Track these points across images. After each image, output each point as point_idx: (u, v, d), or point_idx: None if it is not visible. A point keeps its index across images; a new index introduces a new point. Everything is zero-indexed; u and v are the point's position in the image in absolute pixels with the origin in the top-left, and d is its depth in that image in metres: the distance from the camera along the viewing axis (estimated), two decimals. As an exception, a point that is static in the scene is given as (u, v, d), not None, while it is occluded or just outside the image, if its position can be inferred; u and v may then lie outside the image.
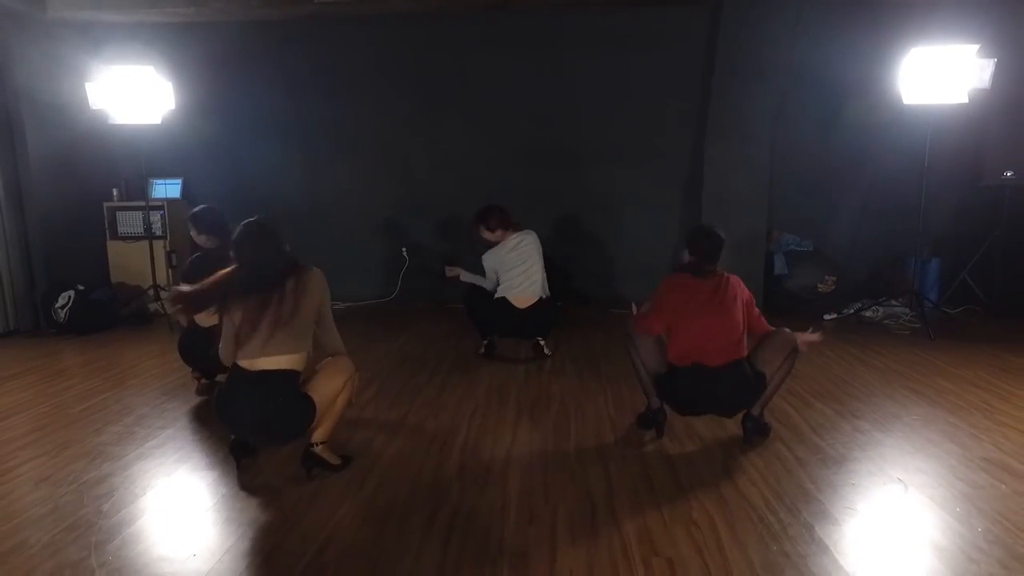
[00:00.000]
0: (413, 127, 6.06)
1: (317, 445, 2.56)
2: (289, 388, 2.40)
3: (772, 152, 5.45)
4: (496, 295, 4.18)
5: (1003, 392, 3.57)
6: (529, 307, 4.15)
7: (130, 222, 5.82)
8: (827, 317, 5.38)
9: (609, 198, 5.98)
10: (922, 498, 2.42)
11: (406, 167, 6.16)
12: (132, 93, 4.91)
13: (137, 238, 5.75)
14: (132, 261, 5.77)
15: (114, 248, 5.82)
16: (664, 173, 5.92)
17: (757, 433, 2.91)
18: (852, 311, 5.42)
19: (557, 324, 4.48)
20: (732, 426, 3.09)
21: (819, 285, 5.43)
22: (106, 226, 5.80)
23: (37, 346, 4.81)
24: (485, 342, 4.34)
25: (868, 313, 5.38)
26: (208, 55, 5.68)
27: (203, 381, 3.70)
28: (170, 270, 5.77)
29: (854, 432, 3.05)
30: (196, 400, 3.53)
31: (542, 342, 4.33)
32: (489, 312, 4.21)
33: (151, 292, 5.56)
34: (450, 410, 3.35)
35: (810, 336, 2.82)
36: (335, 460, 2.61)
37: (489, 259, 4.24)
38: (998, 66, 4.56)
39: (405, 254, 6.28)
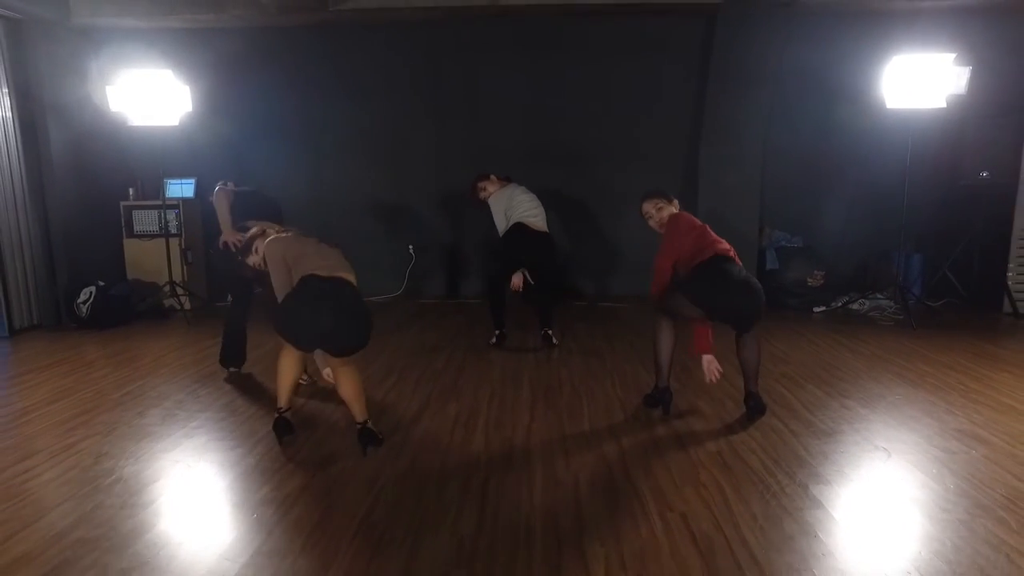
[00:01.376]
0: (421, 129, 6.29)
1: (368, 422, 2.80)
2: (360, 295, 2.79)
3: (763, 153, 5.74)
4: (511, 223, 4.46)
5: (978, 375, 3.87)
6: (541, 233, 4.48)
7: (146, 220, 6.00)
8: (816, 310, 5.67)
9: (607, 197, 6.25)
10: (902, 462, 2.69)
11: (413, 168, 6.39)
12: (150, 96, 5.10)
13: (153, 236, 5.94)
14: (148, 258, 5.96)
15: (130, 246, 6.00)
16: (659, 173, 6.17)
17: (758, 411, 3.17)
18: (840, 304, 5.72)
19: (558, 305, 4.75)
20: (732, 405, 3.36)
21: (809, 279, 5.71)
22: (123, 224, 5.98)
23: (62, 339, 4.99)
24: (497, 332, 4.58)
25: (855, 306, 5.68)
26: (224, 59, 5.88)
27: (232, 371, 3.92)
28: (185, 267, 5.96)
29: (842, 409, 3.32)
30: (227, 386, 3.75)
31: (550, 332, 4.57)
32: (507, 254, 4.48)
33: (167, 288, 5.75)
34: (469, 394, 3.59)
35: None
36: (381, 435, 2.86)
37: (499, 200, 4.56)
38: (973, 73, 4.89)
39: (412, 251, 6.51)
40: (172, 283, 5.72)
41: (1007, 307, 5.50)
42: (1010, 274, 5.52)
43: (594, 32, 5.89)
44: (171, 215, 5.85)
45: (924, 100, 4.95)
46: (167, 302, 5.85)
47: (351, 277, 2.81)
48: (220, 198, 3.73)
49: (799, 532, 2.16)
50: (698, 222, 3.28)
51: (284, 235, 3.05)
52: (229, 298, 4.11)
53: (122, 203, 6.00)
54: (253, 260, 3.08)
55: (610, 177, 6.20)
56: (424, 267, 6.51)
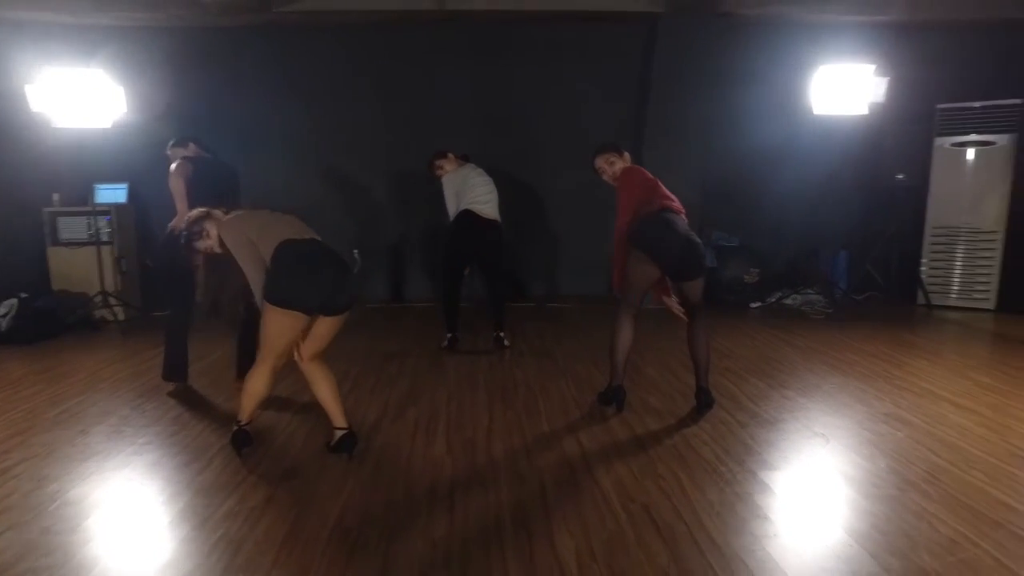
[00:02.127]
0: (366, 132, 6.23)
1: (349, 428, 2.78)
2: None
3: (704, 155, 5.99)
4: (460, 208, 4.42)
5: (899, 362, 4.18)
6: (490, 222, 4.43)
7: (73, 228, 5.69)
8: (753, 305, 5.96)
9: (551, 198, 6.38)
10: (838, 446, 2.90)
11: (359, 172, 6.33)
12: (78, 96, 4.85)
13: (82, 244, 5.64)
14: (75, 267, 5.65)
15: (55, 254, 5.67)
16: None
17: (707, 404, 3.32)
18: (774, 300, 6.04)
19: (510, 299, 4.79)
20: (681, 400, 3.51)
21: (745, 277, 6.00)
22: (46, 232, 5.66)
23: (-18, 356, 4.68)
24: (449, 336, 4.60)
25: (788, 301, 6.01)
26: (162, 59, 5.64)
27: (178, 384, 3.77)
28: (119, 276, 5.69)
29: (783, 399, 3.53)
30: (172, 401, 3.62)
31: (502, 334, 4.63)
32: (453, 245, 4.45)
33: (98, 299, 5.48)
34: (426, 399, 3.61)
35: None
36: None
37: (453, 181, 4.49)
38: (890, 83, 5.28)
39: (357, 256, 6.43)
40: (104, 293, 5.46)
41: (921, 299, 5.95)
42: (923, 268, 5.97)
43: (541, 37, 6.00)
44: (102, 222, 5.58)
45: (848, 107, 5.31)
46: (98, 313, 5.57)
47: (318, 237, 2.77)
48: (177, 178, 3.52)
49: (751, 515, 2.30)
50: (651, 176, 3.35)
51: (235, 214, 2.81)
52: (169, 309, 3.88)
53: (45, 209, 5.67)
54: (204, 245, 2.77)
55: (555, 179, 6.33)
56: (368, 271, 6.45)
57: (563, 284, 6.62)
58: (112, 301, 5.49)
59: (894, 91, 5.32)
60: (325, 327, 2.72)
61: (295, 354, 2.77)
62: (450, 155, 4.64)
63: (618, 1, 5.38)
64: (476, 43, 6.04)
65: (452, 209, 4.49)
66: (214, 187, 3.54)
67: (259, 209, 2.90)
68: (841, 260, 6.31)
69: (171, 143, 3.80)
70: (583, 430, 3.12)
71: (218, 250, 2.74)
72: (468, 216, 4.40)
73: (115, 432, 3.15)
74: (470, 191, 4.44)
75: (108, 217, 5.66)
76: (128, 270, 5.84)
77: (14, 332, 4.99)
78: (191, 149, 3.73)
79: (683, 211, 3.28)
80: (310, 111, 6.10)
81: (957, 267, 5.88)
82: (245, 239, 2.67)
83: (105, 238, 5.59)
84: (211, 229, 2.74)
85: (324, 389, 2.77)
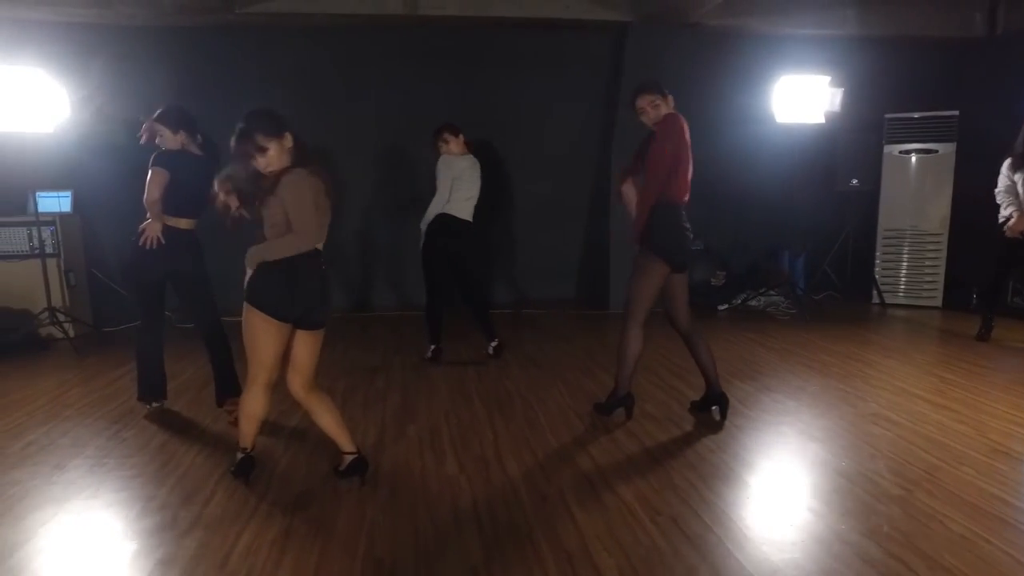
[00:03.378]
0: (330, 137, 6.04)
1: (359, 452, 2.68)
2: None
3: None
4: (449, 202, 4.24)
5: (871, 361, 4.40)
6: (469, 223, 4.36)
7: (10, 239, 5.26)
8: (721, 308, 6.14)
9: (521, 204, 6.38)
10: (836, 448, 3.01)
11: (323, 177, 6.13)
12: (15, 97, 4.48)
13: (22, 257, 5.23)
14: (14, 282, 5.23)
15: (-8, 269, 5.24)
16: (573, 181, 6.42)
17: (726, 406, 3.39)
18: (740, 301, 6.23)
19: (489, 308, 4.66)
20: (676, 406, 3.58)
21: (712, 280, 6.18)
22: (-20, 245, 5.21)
23: (-83, 383, 4.27)
24: (433, 347, 4.52)
25: (753, 303, 6.22)
26: (112, 59, 5.28)
27: (154, 406, 3.56)
28: (67, 290, 5.31)
29: (772, 402, 3.65)
30: (155, 425, 3.41)
31: (496, 343, 4.55)
32: (441, 251, 4.29)
33: (44, 315, 5.10)
34: (423, 414, 3.53)
35: None
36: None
37: (451, 167, 4.25)
38: (845, 93, 5.54)
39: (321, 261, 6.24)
40: (52, 309, 5.07)
41: (875, 298, 6.28)
42: (877, 269, 6.31)
43: (511, 44, 5.99)
44: (46, 232, 5.18)
45: (806, 116, 5.55)
46: (45, 331, 5.18)
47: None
48: (154, 187, 3.22)
49: (774, 520, 2.36)
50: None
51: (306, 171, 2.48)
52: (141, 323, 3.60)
53: (-22, 221, 5.23)
54: (261, 163, 2.43)
55: (524, 185, 6.33)
56: (333, 280, 6.26)
57: (531, 290, 6.63)
58: (61, 317, 5.11)
59: (847, 101, 5.60)
60: (304, 349, 2.59)
61: (292, 390, 2.63)
62: (460, 136, 4.37)
63: (587, 10, 5.43)
64: (444, 48, 5.97)
65: (444, 194, 4.24)
66: (194, 195, 3.33)
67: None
68: (800, 262, 6.58)
69: (158, 114, 3.34)
70: (591, 443, 3.12)
71: (259, 186, 2.45)
72: (456, 222, 4.30)
73: (96, 465, 2.93)
74: (465, 186, 4.30)
75: (52, 228, 5.27)
76: (76, 283, 5.46)
77: (-49, 355, 4.58)
78: (179, 139, 3.34)
79: None
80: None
81: (906, 267, 6.25)
82: (312, 202, 2.44)
83: (50, 250, 5.20)
84: (274, 152, 2.41)
85: (326, 418, 2.65)
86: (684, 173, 3.16)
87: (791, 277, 6.16)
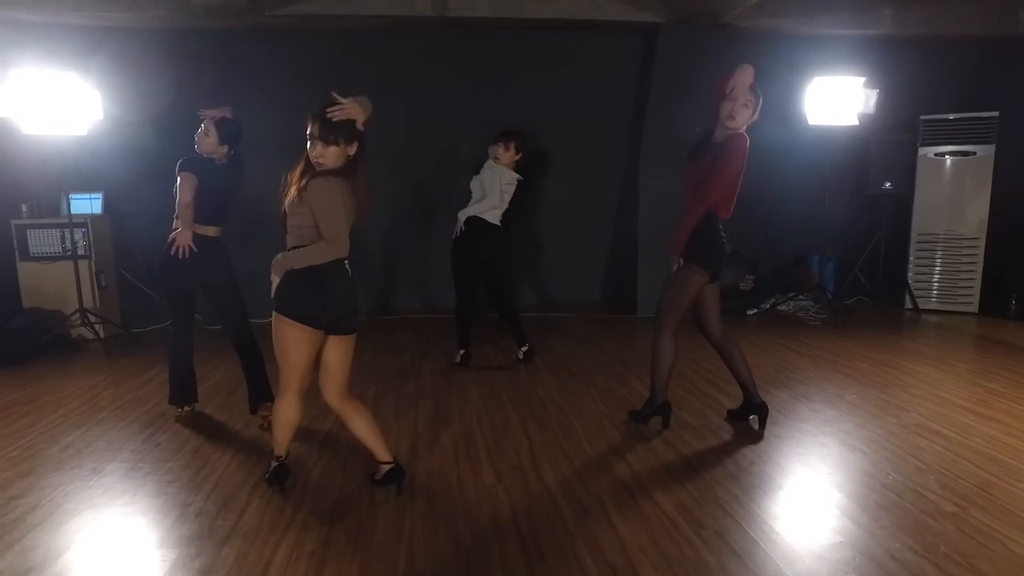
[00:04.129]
0: (356, 139, 6.05)
1: (396, 461, 2.64)
2: None
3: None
4: (480, 215, 4.21)
5: (909, 370, 4.29)
6: (498, 226, 4.29)
7: (45, 241, 5.32)
8: (750, 312, 6.05)
9: (548, 207, 6.33)
10: (881, 460, 2.93)
11: (349, 179, 6.13)
12: (50, 101, 4.52)
13: (55, 258, 5.28)
14: (48, 283, 5.28)
15: (26, 270, 5.29)
16: (603, 185, 6.37)
17: (765, 415, 3.32)
18: (769, 306, 6.13)
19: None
20: (713, 415, 3.51)
21: (741, 284, 6.08)
22: (15, 246, 5.27)
23: (-47, 384, 4.32)
24: (462, 352, 4.48)
25: (782, 307, 6.12)
26: (142, 62, 5.31)
27: (185, 410, 3.56)
28: (97, 291, 5.35)
29: (810, 412, 3.56)
30: (188, 429, 3.41)
31: (527, 347, 4.48)
32: (474, 254, 4.23)
33: (75, 317, 5.14)
34: (456, 420, 3.49)
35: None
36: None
37: (501, 175, 4.22)
38: (879, 95, 5.43)
39: (347, 266, 6.23)
40: (83, 310, 5.12)
41: (908, 303, 6.15)
42: (910, 273, 6.17)
43: (540, 45, 5.94)
44: (78, 234, 5.23)
45: (839, 118, 5.44)
46: (76, 332, 5.22)
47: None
48: (185, 193, 3.22)
49: (821, 535, 2.30)
50: None
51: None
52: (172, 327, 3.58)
53: (13, 222, 5.28)
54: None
55: (552, 187, 6.28)
56: (357, 282, 6.26)
57: (556, 292, 6.58)
58: (92, 318, 5.15)
59: (882, 102, 5.48)
60: (337, 355, 2.54)
61: (326, 398, 2.59)
62: (521, 144, 4.34)
63: (619, 11, 5.36)
64: (473, 50, 5.93)
65: (494, 203, 4.20)
66: (219, 202, 3.35)
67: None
68: (830, 266, 6.46)
69: (220, 118, 3.34)
70: (628, 451, 3.07)
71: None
72: (491, 228, 4.26)
73: (132, 469, 2.93)
74: (504, 199, 4.27)
75: (84, 229, 5.32)
76: (107, 285, 5.51)
77: (-14, 356, 4.63)
78: (217, 150, 3.33)
79: None
80: (301, 118, 5.86)
81: (939, 272, 6.10)
82: (343, 209, 2.39)
83: (82, 251, 5.25)
84: (336, 151, 2.40)
85: (362, 426, 2.60)
86: (735, 193, 3.10)
87: (821, 281, 6.05)
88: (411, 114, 6.04)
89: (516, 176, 4.34)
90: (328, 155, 2.41)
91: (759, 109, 3.07)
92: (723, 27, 5.46)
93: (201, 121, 3.35)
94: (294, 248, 2.44)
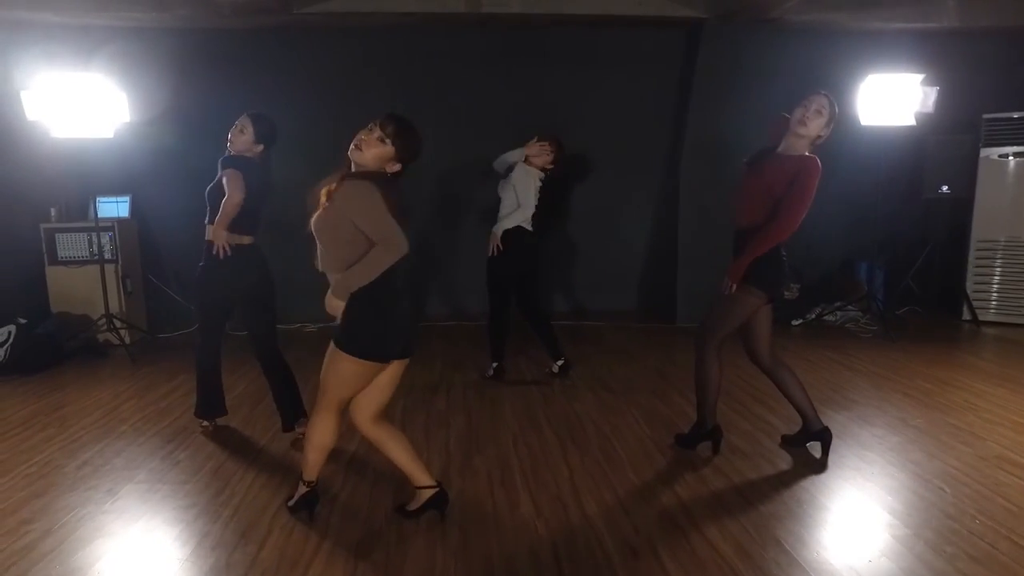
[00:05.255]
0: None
1: (440, 484, 2.47)
2: None
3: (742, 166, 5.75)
4: (520, 223, 4.01)
5: (978, 390, 3.96)
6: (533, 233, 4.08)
7: (72, 245, 5.26)
8: (795, 323, 5.74)
9: (584, 209, 6.09)
10: (962, 497, 2.63)
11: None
12: (78, 103, 4.44)
13: (82, 262, 5.22)
14: (75, 288, 5.23)
15: (54, 274, 5.24)
16: (640, 187, 6.11)
17: (829, 443, 3.04)
18: (814, 316, 5.81)
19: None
20: (767, 440, 3.25)
21: (786, 293, 5.76)
22: (44, 250, 5.22)
23: (-22, 391, 4.26)
24: (495, 365, 4.27)
25: (829, 317, 5.79)
26: (169, 63, 5.21)
27: (207, 424, 3.42)
28: (124, 296, 5.28)
29: (873, 438, 3.28)
30: (211, 444, 3.26)
31: (562, 361, 4.27)
32: (513, 264, 4.02)
33: (101, 322, 5.06)
34: (490, 442, 3.28)
35: None
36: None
37: (533, 179, 4.02)
38: (938, 92, 5.07)
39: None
40: (109, 315, 5.04)
41: (966, 314, 5.77)
42: (969, 282, 5.79)
43: (576, 42, 5.71)
44: (104, 238, 5.16)
45: (895, 118, 5.10)
46: (102, 337, 5.15)
47: None
48: (235, 182, 2.99)
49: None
50: None
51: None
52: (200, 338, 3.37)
53: (43, 225, 5.24)
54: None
55: (587, 190, 6.05)
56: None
57: (591, 300, 6.34)
58: (118, 324, 5.07)
59: (941, 100, 5.13)
60: (386, 378, 2.32)
61: (358, 421, 2.39)
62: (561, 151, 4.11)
63: (661, 6, 5.11)
64: (506, 47, 5.73)
65: (531, 205, 4.02)
66: (255, 208, 3.18)
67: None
68: (879, 273, 6.11)
69: (256, 114, 3.18)
70: (676, 481, 2.83)
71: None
72: (530, 235, 4.05)
73: (149, 491, 2.78)
74: (535, 198, 4.06)
75: (111, 233, 5.24)
76: (133, 290, 5.43)
77: (13, 362, 4.56)
78: (252, 149, 3.17)
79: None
80: (330, 117, 5.71)
81: (1000, 281, 5.72)
82: (383, 204, 2.15)
83: (108, 255, 5.18)
84: (381, 152, 2.20)
85: (398, 450, 2.41)
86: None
87: (871, 290, 5.71)
88: (440, 115, 5.85)
89: (541, 174, 4.11)
90: (371, 148, 2.19)
91: (833, 121, 2.82)
92: (771, 21, 5.17)
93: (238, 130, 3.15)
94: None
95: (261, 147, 3.18)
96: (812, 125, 2.77)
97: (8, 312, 4.75)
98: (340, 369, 2.24)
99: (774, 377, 3.08)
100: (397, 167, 2.26)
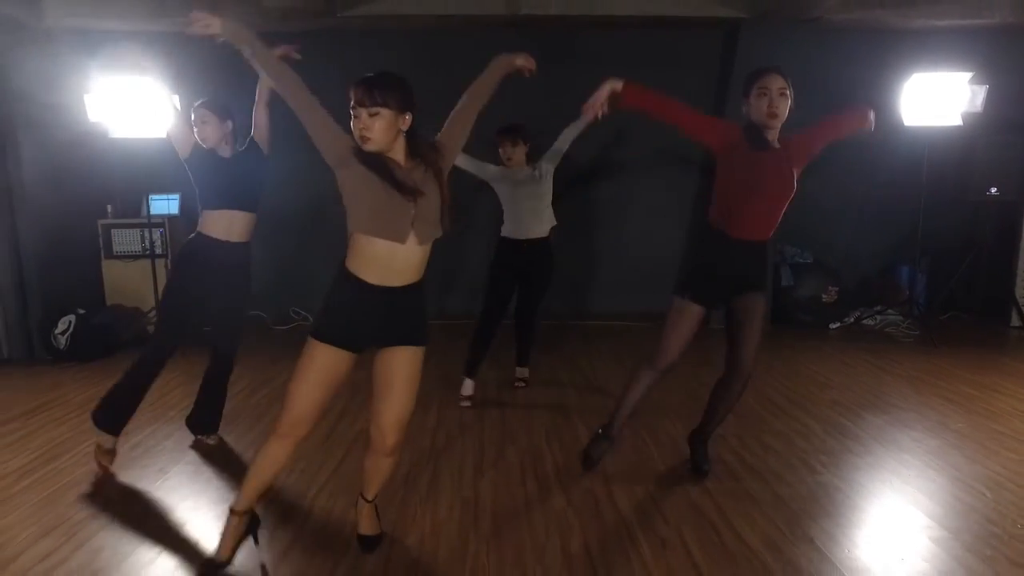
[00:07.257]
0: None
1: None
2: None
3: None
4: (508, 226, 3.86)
5: (1024, 397, 3.86)
6: (532, 241, 3.82)
7: (126, 240, 5.51)
8: (832, 326, 5.64)
9: (620, 211, 6.10)
10: (1003, 506, 2.57)
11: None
12: (133, 105, 4.69)
13: (135, 257, 5.47)
14: (129, 282, 5.48)
15: (110, 268, 5.50)
16: (674, 188, 6.09)
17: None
18: (852, 320, 5.71)
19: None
20: (800, 441, 3.22)
21: (824, 296, 5.67)
22: (100, 245, 5.49)
23: (39, 376, 4.50)
24: (467, 381, 3.81)
25: (868, 321, 5.68)
26: (217, 66, 5.42)
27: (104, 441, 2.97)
28: (173, 291, 5.49)
29: (911, 442, 3.22)
30: (252, 431, 3.40)
31: (524, 374, 4.12)
32: (503, 269, 3.83)
33: (152, 314, 5.29)
34: (522, 435, 3.34)
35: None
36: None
37: (506, 184, 3.91)
38: (988, 91, 4.95)
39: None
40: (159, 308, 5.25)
41: (1015, 320, 5.59)
42: (1018, 288, 5.61)
43: (611, 44, 5.72)
44: (155, 234, 5.39)
45: (940, 118, 4.99)
46: (151, 329, 5.37)
47: None
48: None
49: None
50: None
51: None
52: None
53: (100, 222, 5.50)
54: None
55: (621, 192, 6.05)
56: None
57: (626, 301, 6.32)
58: (167, 317, 5.28)
59: (990, 99, 4.99)
60: (398, 371, 2.13)
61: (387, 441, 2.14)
62: (524, 134, 4.07)
63: (699, 6, 5.09)
64: (544, 48, 5.73)
65: (509, 214, 3.98)
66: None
67: None
68: (921, 277, 5.96)
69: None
70: (708, 476, 2.84)
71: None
72: (517, 243, 3.87)
73: (195, 472, 2.94)
74: (514, 205, 3.89)
75: (161, 230, 5.48)
76: (181, 284, 5.65)
77: (72, 350, 4.81)
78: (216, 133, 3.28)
79: None
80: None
81: (1052, 287, 5.53)
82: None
83: (159, 251, 5.41)
84: (387, 124, 2.07)
85: (263, 469, 2.15)
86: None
87: (912, 294, 5.58)
88: (478, 118, 5.95)
89: (530, 169, 3.98)
90: (375, 128, 2.01)
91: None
92: (811, 21, 5.10)
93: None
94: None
95: (230, 124, 3.15)
96: (782, 109, 2.57)
97: (68, 303, 5.00)
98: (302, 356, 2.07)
99: (728, 384, 2.83)
100: (407, 120, 2.10)
